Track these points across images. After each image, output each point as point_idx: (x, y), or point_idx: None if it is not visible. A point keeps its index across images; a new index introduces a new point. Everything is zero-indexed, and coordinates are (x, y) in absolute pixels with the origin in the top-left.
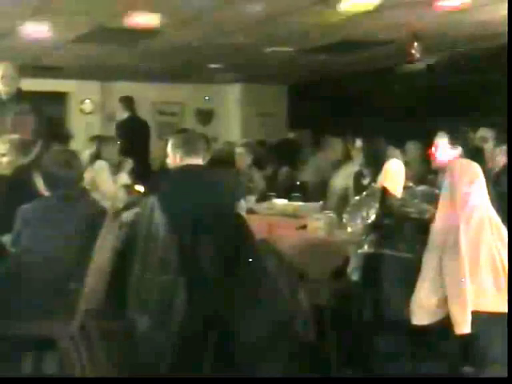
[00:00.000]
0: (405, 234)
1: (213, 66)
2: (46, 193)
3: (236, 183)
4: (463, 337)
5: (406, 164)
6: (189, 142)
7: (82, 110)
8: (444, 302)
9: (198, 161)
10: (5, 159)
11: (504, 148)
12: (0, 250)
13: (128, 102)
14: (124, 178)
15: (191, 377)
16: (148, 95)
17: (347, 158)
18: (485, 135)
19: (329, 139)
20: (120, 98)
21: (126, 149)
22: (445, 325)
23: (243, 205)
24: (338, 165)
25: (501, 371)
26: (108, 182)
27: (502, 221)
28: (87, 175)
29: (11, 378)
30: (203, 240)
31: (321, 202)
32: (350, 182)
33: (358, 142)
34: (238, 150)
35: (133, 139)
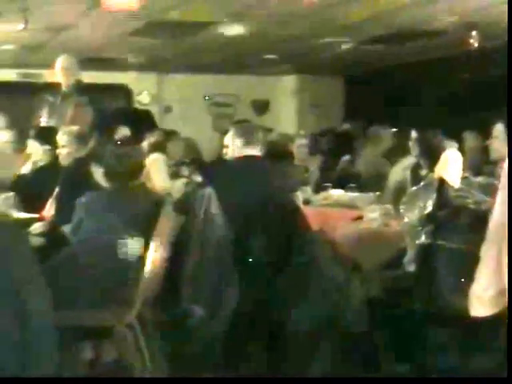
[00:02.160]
0: (462, 224)
1: (268, 56)
2: (105, 184)
3: (292, 174)
4: None
5: (464, 154)
6: (248, 133)
7: (139, 102)
8: (503, 293)
9: (256, 152)
10: (65, 150)
11: None
12: (61, 239)
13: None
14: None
15: (192, 377)
16: (203, 87)
17: (403, 150)
18: None
19: (379, 130)
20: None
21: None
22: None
23: (299, 195)
24: (389, 155)
25: None
26: (162, 174)
27: None
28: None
29: (12, 378)
30: (259, 230)
31: (377, 193)
32: (408, 175)
33: (414, 133)
34: (299, 141)
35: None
